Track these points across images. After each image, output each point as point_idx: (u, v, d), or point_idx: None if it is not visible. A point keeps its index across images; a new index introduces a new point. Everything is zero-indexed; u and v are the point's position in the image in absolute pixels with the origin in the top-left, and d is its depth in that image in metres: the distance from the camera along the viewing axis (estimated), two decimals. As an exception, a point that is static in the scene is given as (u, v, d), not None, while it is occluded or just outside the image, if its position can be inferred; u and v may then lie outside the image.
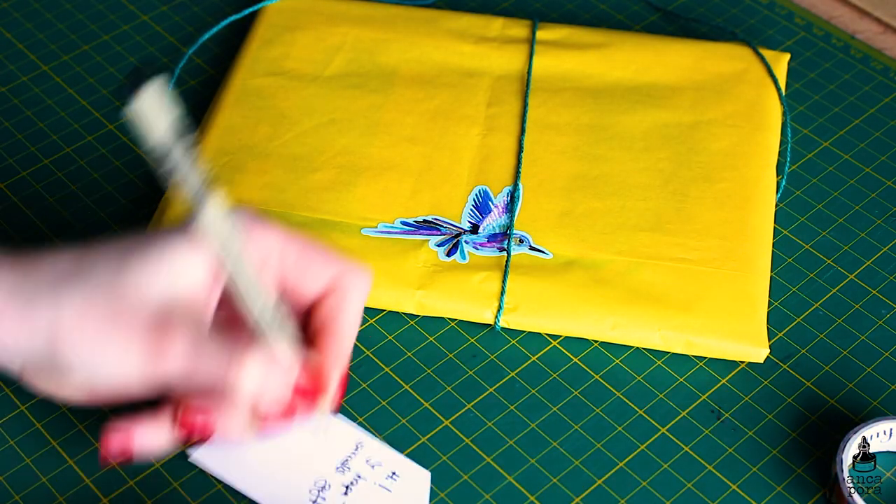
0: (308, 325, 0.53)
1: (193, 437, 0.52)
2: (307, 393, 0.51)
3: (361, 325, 0.61)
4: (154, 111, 0.44)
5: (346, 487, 0.54)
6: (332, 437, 0.56)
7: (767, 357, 0.60)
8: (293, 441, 0.56)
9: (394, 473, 0.55)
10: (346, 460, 0.55)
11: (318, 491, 0.54)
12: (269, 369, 0.49)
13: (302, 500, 0.54)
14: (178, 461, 0.56)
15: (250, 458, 0.55)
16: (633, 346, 0.60)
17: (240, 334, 0.51)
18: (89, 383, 0.50)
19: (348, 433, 0.56)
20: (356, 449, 0.56)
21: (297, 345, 0.52)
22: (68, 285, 0.49)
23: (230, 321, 0.53)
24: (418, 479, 0.55)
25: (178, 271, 0.49)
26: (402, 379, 0.59)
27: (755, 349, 0.59)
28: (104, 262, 0.50)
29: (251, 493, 0.54)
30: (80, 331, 0.49)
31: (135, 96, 0.43)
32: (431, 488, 0.55)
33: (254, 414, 0.51)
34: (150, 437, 0.52)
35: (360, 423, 0.57)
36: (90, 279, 0.49)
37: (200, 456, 0.55)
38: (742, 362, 0.60)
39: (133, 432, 0.52)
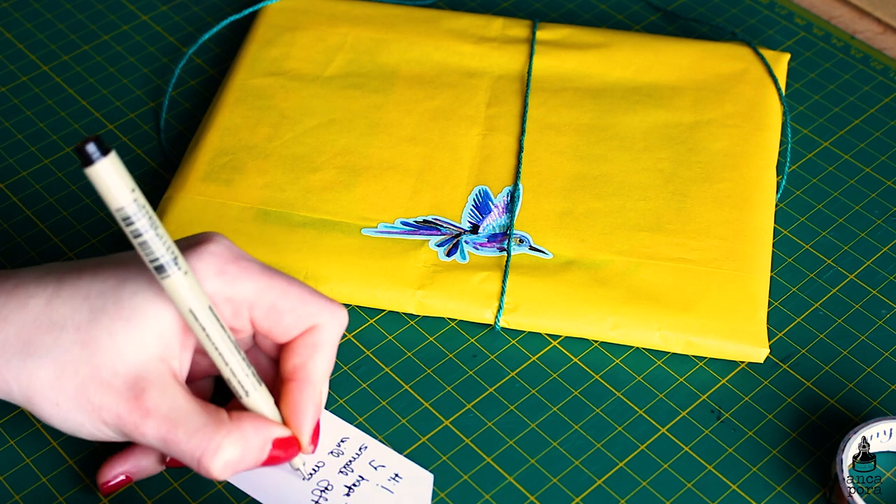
0: (281, 365, 0.52)
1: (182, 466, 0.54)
2: (284, 445, 0.51)
3: (362, 325, 0.61)
4: (112, 180, 0.44)
5: (349, 489, 0.54)
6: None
7: (767, 357, 0.60)
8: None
9: (396, 475, 0.55)
10: (350, 462, 0.55)
11: (321, 492, 0.54)
12: (243, 452, 0.49)
13: (304, 499, 0.54)
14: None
15: None
16: (633, 346, 0.60)
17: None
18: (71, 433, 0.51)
19: (352, 435, 0.56)
20: (360, 451, 0.56)
21: (270, 395, 0.51)
22: (38, 355, 0.49)
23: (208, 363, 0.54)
24: (421, 482, 0.55)
25: (149, 332, 0.48)
26: (402, 379, 0.59)
27: (755, 349, 0.59)
28: (73, 322, 0.49)
29: (253, 491, 0.54)
30: (55, 402, 0.49)
31: (93, 165, 0.44)
32: (432, 489, 0.55)
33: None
34: (142, 467, 0.54)
35: (359, 424, 0.57)
36: (59, 344, 0.49)
37: None
38: (742, 362, 0.60)
39: (126, 467, 0.54)
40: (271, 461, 0.51)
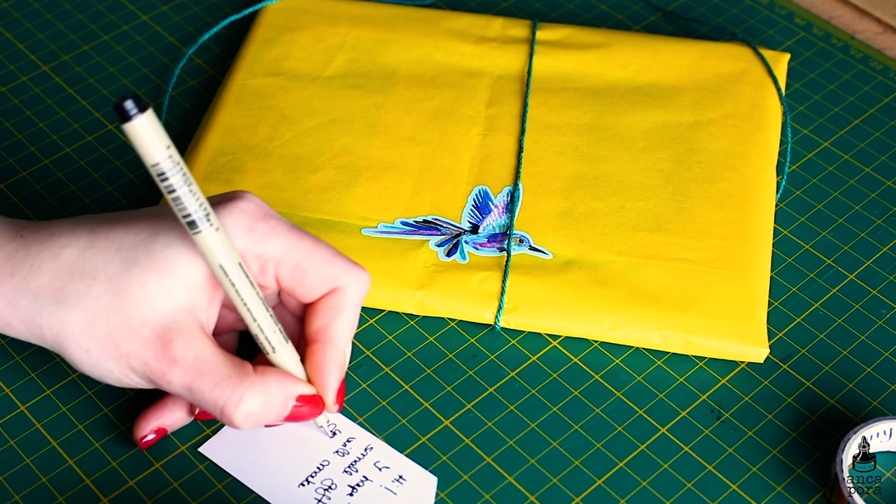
0: (305, 326, 0.54)
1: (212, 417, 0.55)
2: (308, 402, 0.52)
3: (361, 325, 0.61)
4: (149, 136, 0.45)
5: (352, 488, 0.54)
6: (339, 433, 0.56)
7: (767, 357, 0.60)
8: (303, 439, 0.56)
9: (400, 477, 0.55)
10: (355, 462, 0.55)
11: (324, 490, 0.54)
12: (265, 404, 0.50)
13: (307, 498, 0.54)
14: (179, 461, 0.56)
15: (259, 453, 0.55)
16: (633, 346, 0.60)
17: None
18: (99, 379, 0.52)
19: (359, 435, 0.56)
20: (365, 451, 0.56)
21: (296, 352, 0.53)
22: (70, 302, 0.50)
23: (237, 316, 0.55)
24: (425, 484, 0.55)
25: (178, 284, 0.50)
26: (402, 379, 0.59)
27: (755, 349, 0.59)
28: (105, 273, 0.50)
29: (257, 487, 0.54)
30: (85, 349, 0.50)
31: (130, 121, 0.45)
32: (435, 492, 0.55)
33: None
34: (176, 419, 0.55)
35: (360, 424, 0.57)
36: (90, 293, 0.50)
37: (211, 450, 0.56)
38: (742, 362, 0.60)
39: (160, 421, 0.55)
40: (294, 417, 0.52)
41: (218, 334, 0.56)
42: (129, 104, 0.45)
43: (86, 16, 0.77)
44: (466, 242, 0.63)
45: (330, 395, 0.53)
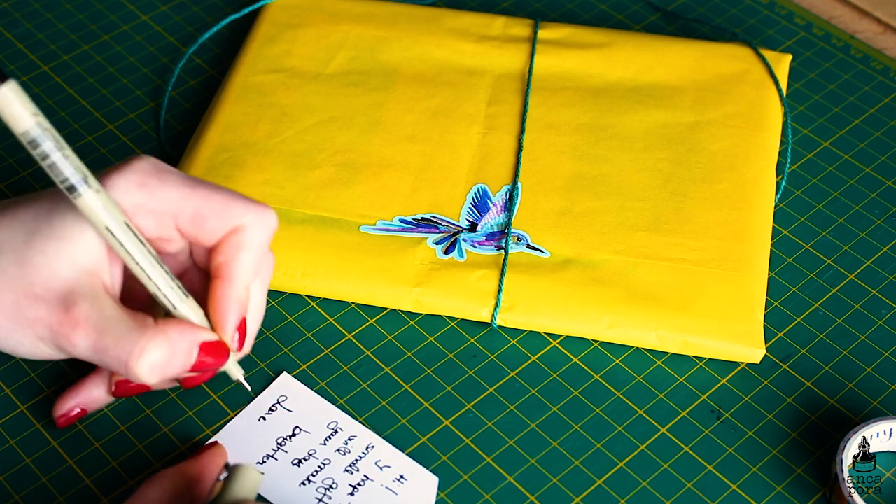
0: (209, 266, 0.53)
1: (130, 392, 0.56)
2: (212, 349, 0.52)
3: (361, 325, 0.61)
4: (14, 105, 0.46)
5: (353, 488, 0.54)
6: (341, 430, 0.56)
7: (768, 357, 0.60)
8: (304, 438, 0.56)
9: (402, 476, 0.55)
10: (356, 461, 0.55)
11: (325, 489, 0.54)
12: (169, 354, 0.50)
13: (308, 497, 0.54)
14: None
15: (260, 452, 0.55)
16: (632, 346, 0.60)
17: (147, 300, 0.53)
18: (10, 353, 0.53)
19: (360, 434, 0.56)
20: (366, 450, 0.56)
21: (199, 307, 0.52)
22: None
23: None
24: (426, 484, 0.55)
25: (78, 248, 0.50)
26: (402, 379, 0.59)
27: (751, 350, 0.59)
28: (10, 245, 0.51)
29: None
30: None
31: None
32: (436, 492, 0.55)
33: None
34: (94, 398, 0.56)
35: (360, 423, 0.57)
36: None
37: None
38: (741, 362, 0.60)
39: (79, 399, 0.56)
40: (202, 366, 0.51)
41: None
42: None
43: (86, 16, 0.77)
44: (464, 240, 0.63)
45: (227, 333, 0.52)
